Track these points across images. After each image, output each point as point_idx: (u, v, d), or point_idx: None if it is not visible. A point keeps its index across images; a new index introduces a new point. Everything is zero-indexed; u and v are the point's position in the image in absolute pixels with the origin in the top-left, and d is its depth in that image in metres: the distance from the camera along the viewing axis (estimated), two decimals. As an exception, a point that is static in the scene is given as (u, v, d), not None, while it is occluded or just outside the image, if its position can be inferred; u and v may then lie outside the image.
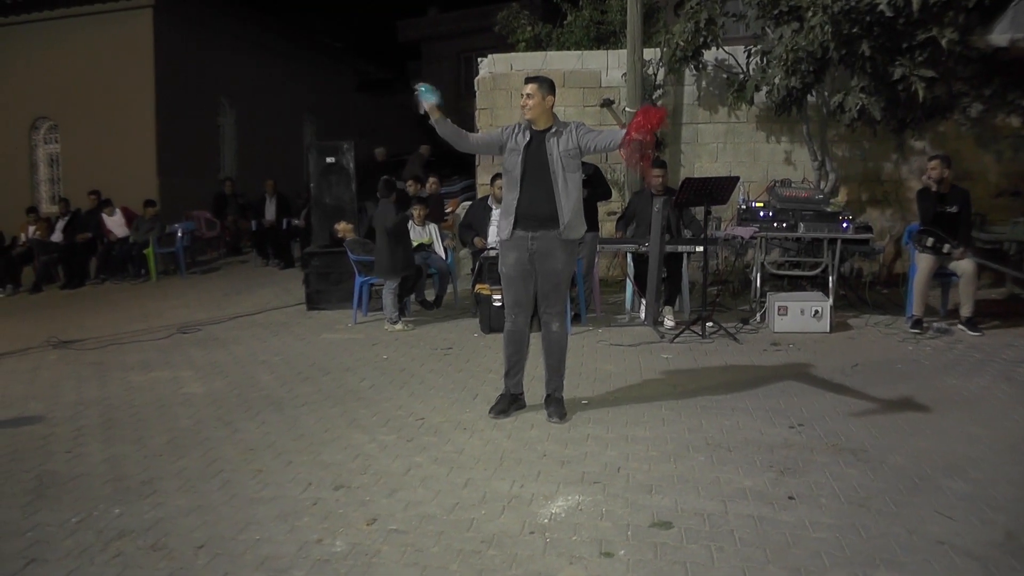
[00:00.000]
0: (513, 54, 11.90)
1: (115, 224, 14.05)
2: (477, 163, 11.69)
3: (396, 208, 8.52)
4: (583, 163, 5.26)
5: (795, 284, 9.14)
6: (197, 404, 5.89)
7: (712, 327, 7.56)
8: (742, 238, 8.31)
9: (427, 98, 4.90)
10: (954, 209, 7.56)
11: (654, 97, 10.57)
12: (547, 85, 5.04)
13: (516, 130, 5.11)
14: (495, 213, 8.64)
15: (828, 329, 7.56)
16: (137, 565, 3.38)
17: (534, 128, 5.07)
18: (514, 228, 5.05)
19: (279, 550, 3.46)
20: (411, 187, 11.07)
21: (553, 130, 5.04)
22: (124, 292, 12.65)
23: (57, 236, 14.12)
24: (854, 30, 8.12)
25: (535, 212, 5.00)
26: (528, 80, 5.07)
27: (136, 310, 10.63)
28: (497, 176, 8.38)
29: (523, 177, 5.02)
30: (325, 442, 4.91)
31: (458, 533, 3.57)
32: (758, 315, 8.14)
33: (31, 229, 14.24)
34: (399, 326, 8.35)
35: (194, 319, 9.53)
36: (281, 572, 3.27)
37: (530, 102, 5.01)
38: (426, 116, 4.96)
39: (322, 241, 10.02)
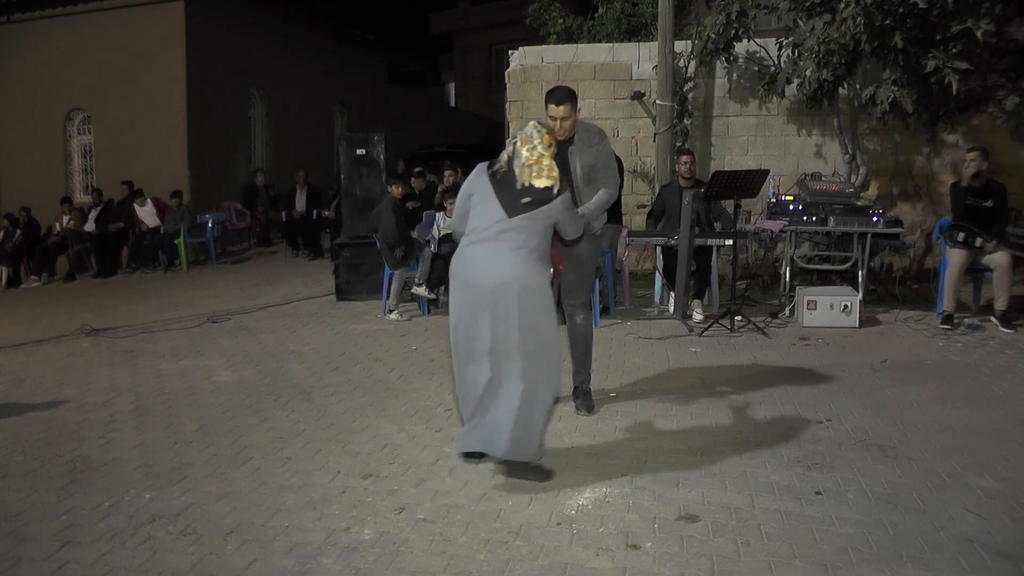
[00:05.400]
0: (544, 47, 11.86)
1: (146, 214, 14.20)
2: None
3: (396, 206, 8.60)
4: None
5: (824, 278, 9.08)
6: (227, 392, 5.96)
7: (741, 321, 7.53)
8: (772, 232, 8.27)
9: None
10: (989, 203, 7.47)
11: (685, 90, 10.51)
12: (575, 100, 4.78)
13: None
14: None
15: (857, 324, 7.50)
16: (167, 549, 3.43)
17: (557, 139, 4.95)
18: None
19: (308, 537, 3.50)
20: (449, 178, 11.17)
21: (574, 144, 4.86)
22: (155, 281, 12.80)
23: (90, 226, 14.33)
24: (887, 22, 8.02)
25: None
26: (559, 102, 4.68)
27: (167, 299, 10.76)
28: None
29: None
30: (354, 431, 4.95)
31: (485, 523, 3.60)
32: (787, 309, 8.09)
33: (65, 219, 14.47)
34: (393, 315, 8.42)
35: (224, 309, 9.62)
36: (310, 559, 3.31)
37: (566, 124, 4.76)
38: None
39: (352, 232, 10.07)
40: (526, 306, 3.90)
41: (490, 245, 3.98)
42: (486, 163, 4.19)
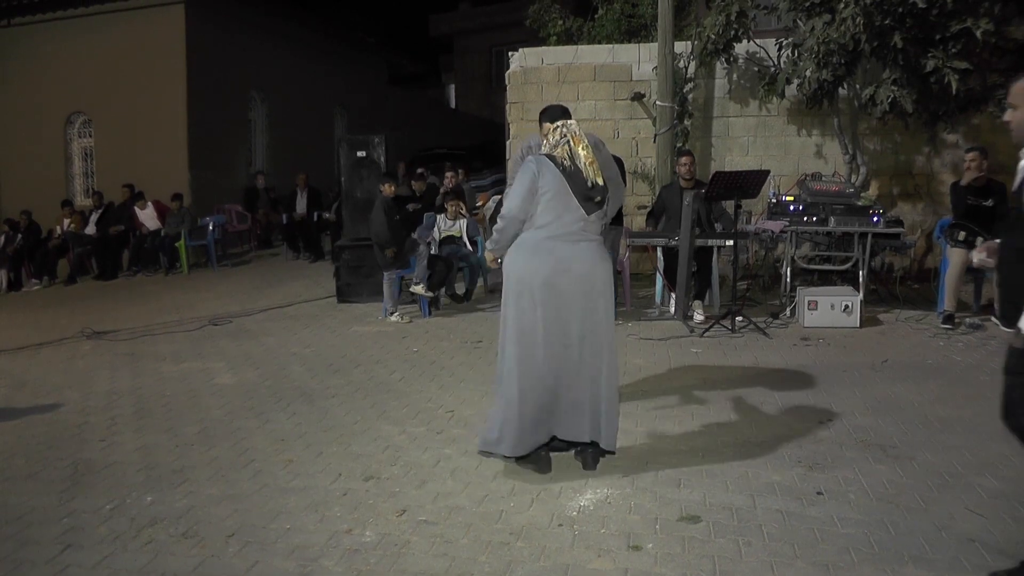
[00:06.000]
0: (544, 48, 11.86)
1: (147, 217, 14.21)
2: (508, 157, 11.68)
3: (386, 205, 8.59)
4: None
5: (825, 278, 9.08)
6: (228, 395, 5.96)
7: (742, 321, 7.53)
8: (772, 232, 8.26)
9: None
10: (990, 203, 7.48)
11: (685, 90, 10.51)
12: (569, 117, 4.42)
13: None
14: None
15: (858, 324, 7.50)
16: (169, 552, 3.43)
17: None
18: None
19: (309, 540, 3.50)
20: (449, 180, 11.18)
21: None
22: (156, 284, 12.80)
23: (91, 229, 14.34)
24: (886, 21, 8.03)
25: None
26: (554, 120, 4.32)
27: (168, 302, 10.76)
28: None
29: None
30: (355, 433, 4.95)
31: (487, 525, 3.60)
32: (788, 310, 8.09)
33: (66, 222, 14.48)
34: (394, 317, 8.42)
35: (225, 311, 9.62)
36: (311, 561, 3.31)
37: None
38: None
39: (353, 234, 10.07)
40: (607, 294, 4.21)
41: (577, 239, 4.15)
42: (543, 154, 4.21)
